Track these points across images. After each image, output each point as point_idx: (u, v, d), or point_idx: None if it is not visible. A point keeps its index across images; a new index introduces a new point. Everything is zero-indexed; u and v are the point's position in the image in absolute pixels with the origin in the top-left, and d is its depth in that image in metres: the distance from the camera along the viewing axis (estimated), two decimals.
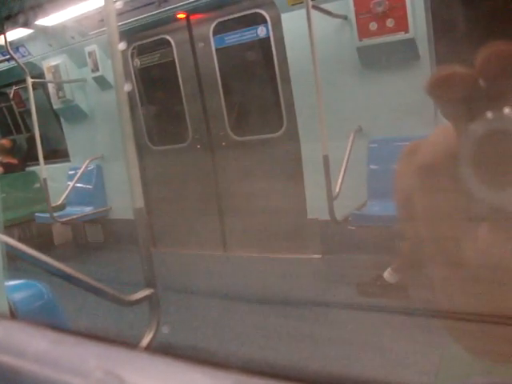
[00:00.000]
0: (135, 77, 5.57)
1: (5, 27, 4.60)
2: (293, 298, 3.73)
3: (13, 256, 1.53)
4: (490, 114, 0.29)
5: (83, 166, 5.80)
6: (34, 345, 0.26)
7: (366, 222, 3.88)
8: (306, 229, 4.68)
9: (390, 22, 3.78)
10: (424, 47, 3.82)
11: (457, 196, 0.30)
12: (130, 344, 0.25)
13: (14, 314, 1.16)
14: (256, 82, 5.06)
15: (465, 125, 0.29)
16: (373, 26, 3.84)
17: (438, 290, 0.34)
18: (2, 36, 4.68)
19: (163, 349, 0.24)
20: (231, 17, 4.81)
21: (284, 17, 4.37)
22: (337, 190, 3.80)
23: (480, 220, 0.30)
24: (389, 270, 3.53)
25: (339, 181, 3.85)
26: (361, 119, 4.18)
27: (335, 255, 4.38)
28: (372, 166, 4.21)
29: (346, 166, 3.94)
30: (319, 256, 4.59)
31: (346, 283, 3.83)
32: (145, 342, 1.98)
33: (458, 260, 0.31)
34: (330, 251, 4.48)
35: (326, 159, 3.64)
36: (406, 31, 3.76)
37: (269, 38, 4.62)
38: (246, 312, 3.59)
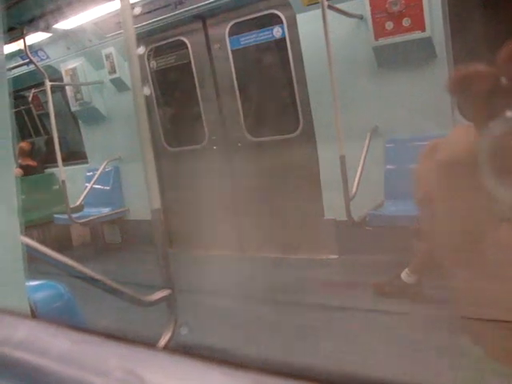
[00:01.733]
0: (151, 78, 5.61)
1: (24, 32, 4.67)
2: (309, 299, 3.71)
3: (33, 257, 1.55)
4: (510, 113, 0.28)
5: (101, 168, 5.85)
6: (56, 344, 0.27)
7: (383, 223, 3.85)
8: (323, 229, 4.66)
9: (406, 21, 3.76)
10: (441, 46, 3.79)
11: (477, 194, 0.30)
12: (149, 344, 0.25)
13: (34, 314, 1.18)
14: (272, 83, 5.06)
15: (485, 123, 0.29)
16: (389, 25, 3.82)
17: (458, 289, 0.34)
18: (22, 40, 4.75)
19: (181, 348, 0.24)
20: (247, 18, 4.81)
21: (299, 17, 4.37)
22: (354, 190, 3.78)
23: (501, 218, 0.29)
24: (406, 270, 3.50)
25: (356, 181, 3.83)
26: (377, 119, 4.16)
27: (352, 256, 4.36)
28: (389, 166, 4.19)
29: (363, 166, 3.93)
30: (336, 256, 4.57)
31: (362, 284, 3.81)
32: (163, 341, 1.99)
33: (479, 258, 0.31)
34: (347, 252, 4.46)
35: (342, 159, 3.63)
36: (423, 30, 3.73)
37: (284, 38, 4.62)
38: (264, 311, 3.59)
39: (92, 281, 1.84)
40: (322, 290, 3.88)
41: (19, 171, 6.58)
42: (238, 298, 3.82)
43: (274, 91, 5.05)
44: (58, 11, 4.74)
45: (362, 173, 3.89)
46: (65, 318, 1.51)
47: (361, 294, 3.68)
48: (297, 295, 3.80)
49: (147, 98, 5.16)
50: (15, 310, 0.32)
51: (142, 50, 5.32)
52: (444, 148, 0.32)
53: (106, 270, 4.33)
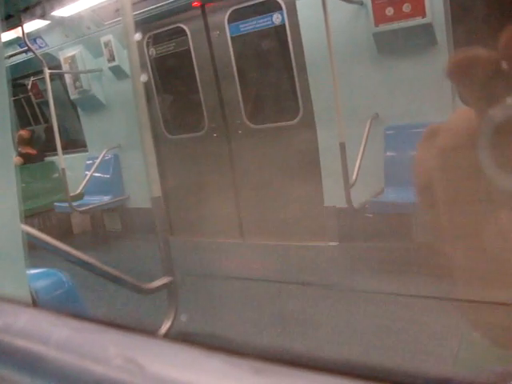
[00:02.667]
0: (151, 66, 5.58)
1: (22, 19, 4.63)
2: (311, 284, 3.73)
3: (33, 245, 1.55)
4: (510, 100, 0.28)
5: (100, 156, 5.84)
6: (56, 332, 0.27)
7: (383, 210, 3.86)
8: (323, 216, 4.66)
9: (406, 7, 3.73)
10: (441, 32, 3.76)
11: (477, 180, 0.30)
12: (149, 331, 0.25)
13: (35, 302, 1.19)
14: (272, 70, 5.04)
15: (485, 109, 0.29)
16: (389, 11, 3.79)
17: (457, 274, 0.34)
18: (20, 28, 4.71)
19: (181, 336, 0.24)
20: (246, 4, 4.77)
21: (299, 3, 4.33)
22: (353, 177, 3.78)
23: (500, 204, 0.29)
24: None
25: (356, 168, 3.83)
26: (377, 106, 4.14)
27: (352, 243, 4.36)
28: (389, 153, 4.18)
29: (363, 154, 3.92)
30: (336, 243, 4.58)
31: (361, 270, 3.82)
32: (163, 329, 2.00)
33: (478, 244, 0.31)
34: (347, 239, 4.46)
35: (342, 146, 3.62)
36: (423, 16, 3.70)
37: (284, 25, 4.59)
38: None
39: (93, 268, 1.85)
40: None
41: (19, 159, 6.58)
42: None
43: (273, 78, 5.03)
44: None
45: (361, 160, 3.89)
46: (66, 306, 1.52)
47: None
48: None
49: (146, 85, 5.14)
50: (16, 297, 0.32)
51: (140, 37, 5.29)
52: (443, 133, 0.32)
53: (107, 258, 4.34)
